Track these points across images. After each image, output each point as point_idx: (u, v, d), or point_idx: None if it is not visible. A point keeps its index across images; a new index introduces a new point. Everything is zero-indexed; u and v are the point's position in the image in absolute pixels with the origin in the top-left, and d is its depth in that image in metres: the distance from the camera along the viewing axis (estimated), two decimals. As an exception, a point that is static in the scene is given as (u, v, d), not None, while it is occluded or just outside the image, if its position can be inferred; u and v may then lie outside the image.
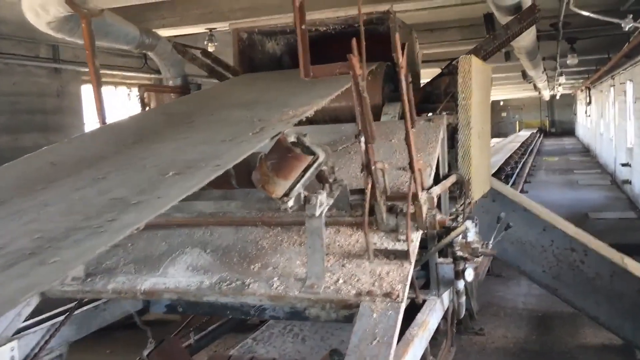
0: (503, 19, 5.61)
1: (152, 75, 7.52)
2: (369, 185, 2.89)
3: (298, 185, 2.79)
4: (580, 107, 36.84)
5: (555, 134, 49.16)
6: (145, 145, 2.96)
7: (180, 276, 3.07)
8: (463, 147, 3.93)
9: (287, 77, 4.46)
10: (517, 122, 54.14)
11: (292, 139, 2.79)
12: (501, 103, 54.54)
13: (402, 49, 2.69)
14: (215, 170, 2.36)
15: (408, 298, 3.54)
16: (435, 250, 3.24)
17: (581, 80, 26.14)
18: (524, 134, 39.97)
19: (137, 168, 2.55)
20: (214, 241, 3.28)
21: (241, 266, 3.05)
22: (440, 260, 3.54)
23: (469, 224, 3.52)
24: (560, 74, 18.22)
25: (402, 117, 4.44)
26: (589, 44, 11.49)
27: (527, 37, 7.08)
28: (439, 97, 4.45)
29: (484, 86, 4.39)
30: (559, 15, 7.52)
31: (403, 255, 2.87)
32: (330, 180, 3.00)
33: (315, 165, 2.78)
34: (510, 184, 15.83)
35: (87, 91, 7.34)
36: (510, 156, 20.12)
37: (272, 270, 2.97)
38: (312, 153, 2.77)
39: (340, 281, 2.82)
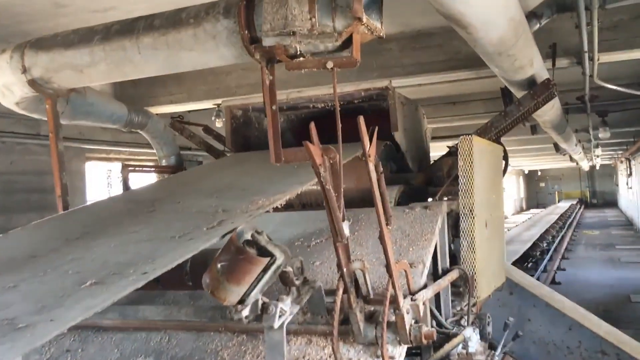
0: (518, 93, 5.23)
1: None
2: (340, 291, 2.45)
3: (254, 292, 2.38)
4: (622, 179, 35.67)
5: (596, 205, 47.63)
6: (87, 241, 2.61)
7: (125, 394, 2.64)
8: (466, 237, 3.46)
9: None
10: (557, 193, 52.81)
11: (247, 236, 2.39)
12: (539, 173, 53.52)
13: (372, 135, 2.31)
14: (140, 279, 1.98)
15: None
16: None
17: (620, 152, 25.33)
18: (564, 205, 38.83)
19: (58, 273, 2.19)
20: (170, 350, 2.86)
21: (194, 383, 2.61)
22: (436, 373, 3.03)
23: (469, 332, 3.02)
24: (596, 146, 17.56)
25: (401, 202, 4.05)
26: (622, 116, 10.98)
27: (551, 112, 6.67)
28: (442, 180, 4.03)
29: (493, 168, 3.96)
30: (584, 89, 7.11)
31: (381, 377, 2.39)
32: (298, 282, 2.58)
33: (273, 268, 2.37)
34: (546, 260, 15.02)
35: (91, 168, 7.19)
36: (547, 230, 19.26)
37: (227, 391, 2.51)
38: (270, 254, 2.36)
39: (306, 408, 2.35)
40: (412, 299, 2.57)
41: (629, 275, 13.77)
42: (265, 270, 2.36)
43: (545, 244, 16.31)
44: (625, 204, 36.03)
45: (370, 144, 2.33)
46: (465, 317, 3.39)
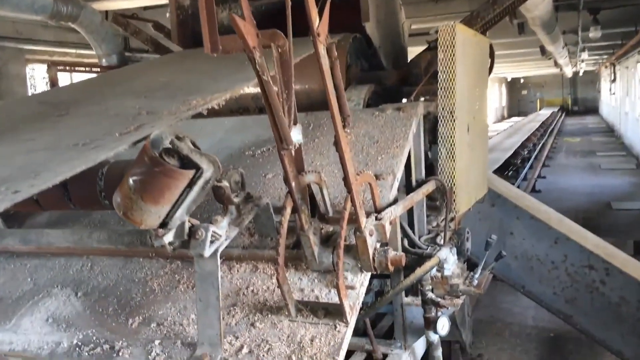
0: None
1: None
2: (287, 210, 1.98)
3: (179, 212, 1.91)
4: (605, 85, 35.26)
5: (578, 113, 47.48)
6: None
7: (35, 332, 2.21)
8: (445, 144, 2.98)
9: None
10: (538, 101, 52.43)
11: (165, 143, 1.88)
12: (521, 80, 52.90)
13: (322, 7, 1.76)
14: (5, 200, 1.47)
15: (364, 351, 2.65)
16: (395, 293, 2.32)
17: (605, 56, 24.71)
18: (545, 112, 38.55)
19: None
20: (91, 279, 2.41)
21: (117, 319, 2.18)
22: (409, 300, 2.64)
23: (445, 252, 2.60)
24: (583, 49, 16.92)
25: (371, 104, 3.52)
26: (614, 15, 10.30)
27: (541, 6, 6.04)
28: (419, 79, 3.49)
29: (478, 64, 3.42)
30: (579, -20, 6.45)
31: (338, 311, 1.97)
32: (237, 200, 2.10)
33: (200, 183, 1.88)
34: (527, 168, 14.77)
35: (36, 72, 6.45)
36: (529, 138, 18.93)
37: (155, 329, 2.09)
38: (195, 165, 1.87)
39: (245, 350, 1.94)
40: (377, 218, 2.11)
41: (610, 183, 13.60)
42: (190, 186, 1.88)
43: (526, 152, 16.01)
44: (606, 111, 35.85)
45: (321, 20, 1.78)
46: (442, 235, 2.97)
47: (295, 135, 2.11)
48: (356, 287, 2.07)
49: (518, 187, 13.06)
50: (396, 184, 2.54)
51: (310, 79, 3.49)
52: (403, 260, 2.08)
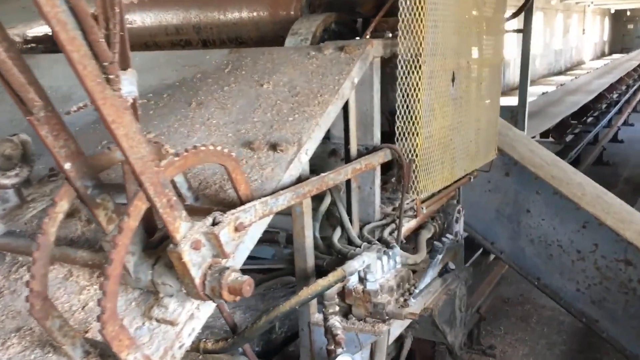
0: None
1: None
2: (59, 203, 1.31)
3: None
4: None
5: (691, 50, 42.66)
6: None
7: None
8: (405, 99, 2.16)
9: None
10: (645, 36, 47.52)
11: None
12: (628, 13, 47.97)
13: None
14: None
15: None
16: (268, 321, 1.61)
17: None
18: (651, 49, 34.77)
19: None
20: None
21: None
22: (319, 318, 1.92)
23: (369, 257, 1.84)
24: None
25: (324, 39, 2.70)
26: None
27: None
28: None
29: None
30: None
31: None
32: (13, 180, 1.46)
33: None
34: (612, 113, 13.13)
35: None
36: (621, 79, 16.84)
37: None
38: None
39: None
40: (214, 222, 1.38)
41: None
42: None
43: (615, 95, 14.22)
44: None
45: None
46: (394, 227, 2.19)
47: (126, 85, 1.42)
48: (179, 323, 1.39)
49: (596, 135, 11.60)
50: (304, 158, 1.78)
51: (257, 3, 2.71)
52: (248, 287, 1.36)
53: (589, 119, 11.60)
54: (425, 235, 2.68)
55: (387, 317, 1.84)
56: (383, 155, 2.14)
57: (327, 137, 2.30)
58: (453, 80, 2.38)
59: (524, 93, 5.29)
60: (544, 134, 9.66)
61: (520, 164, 3.18)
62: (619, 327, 3.08)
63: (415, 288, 1.97)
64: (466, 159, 2.61)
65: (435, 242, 2.37)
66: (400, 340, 2.97)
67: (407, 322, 2.48)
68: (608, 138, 11.47)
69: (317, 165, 2.21)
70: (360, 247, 2.00)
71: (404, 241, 2.27)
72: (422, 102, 2.15)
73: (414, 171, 2.19)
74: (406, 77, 2.14)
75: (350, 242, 2.10)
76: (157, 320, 1.40)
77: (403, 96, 2.16)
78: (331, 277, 1.71)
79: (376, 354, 2.16)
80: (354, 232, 2.08)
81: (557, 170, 3.33)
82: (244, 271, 2.21)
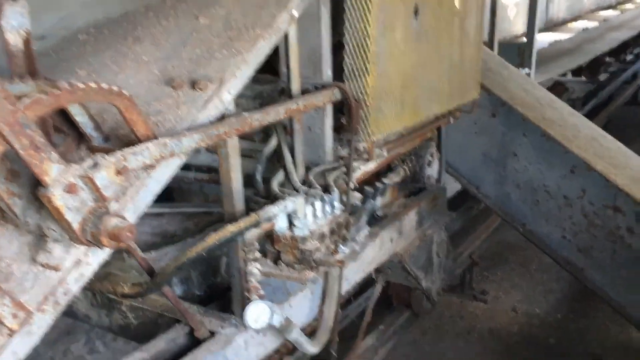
0: None
1: None
2: None
3: None
4: None
5: None
6: None
7: None
8: (352, 31, 2.01)
9: None
10: None
11: None
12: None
13: None
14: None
15: (186, 325, 1.94)
16: (173, 268, 1.55)
17: None
18: None
19: None
20: None
21: None
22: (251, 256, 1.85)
23: (294, 202, 1.76)
24: None
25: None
26: None
27: None
28: None
29: None
30: None
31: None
32: None
33: None
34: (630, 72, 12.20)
35: None
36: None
37: None
38: None
39: None
40: (95, 164, 1.30)
41: None
42: None
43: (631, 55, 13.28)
44: None
45: None
46: (343, 175, 2.08)
47: (14, 17, 1.36)
48: (62, 269, 1.34)
49: (635, 74, 10.94)
50: (226, 97, 1.68)
51: None
52: (129, 233, 1.29)
53: (628, 57, 10.94)
54: (393, 178, 2.57)
55: (314, 265, 1.76)
56: (330, 95, 2.01)
57: (278, 74, 2.19)
58: (416, 13, 2.21)
59: (532, 29, 4.98)
60: (576, 73, 9.17)
61: (508, 104, 2.98)
62: (605, 277, 2.94)
63: (347, 234, 1.88)
64: (435, 99, 2.44)
65: (366, 187, 2.25)
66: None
67: (368, 268, 2.41)
68: (647, 78, 10.81)
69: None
70: (299, 191, 1.91)
71: (357, 185, 2.17)
72: (371, 36, 2.00)
73: (364, 112, 2.06)
74: (354, 8, 1.98)
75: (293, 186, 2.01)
76: (42, 265, 1.35)
77: (351, 30, 2.01)
78: (242, 222, 1.63)
79: (326, 300, 2.10)
80: (295, 175, 1.98)
81: (551, 111, 3.12)
82: (171, 216, 2.14)
